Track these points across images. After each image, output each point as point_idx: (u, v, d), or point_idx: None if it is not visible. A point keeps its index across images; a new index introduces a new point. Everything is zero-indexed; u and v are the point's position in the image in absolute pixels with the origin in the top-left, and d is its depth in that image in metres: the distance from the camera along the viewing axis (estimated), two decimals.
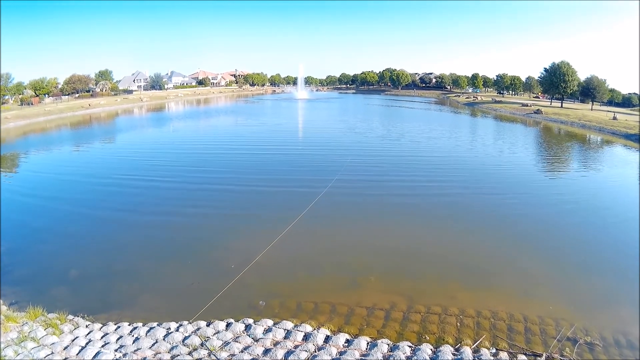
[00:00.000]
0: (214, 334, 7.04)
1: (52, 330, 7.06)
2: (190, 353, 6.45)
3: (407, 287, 8.93)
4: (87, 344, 6.79)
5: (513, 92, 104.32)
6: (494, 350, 6.61)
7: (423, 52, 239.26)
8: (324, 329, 7.21)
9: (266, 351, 6.45)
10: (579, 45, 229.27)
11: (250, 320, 7.47)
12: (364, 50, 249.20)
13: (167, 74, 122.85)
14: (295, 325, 7.29)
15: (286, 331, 7.10)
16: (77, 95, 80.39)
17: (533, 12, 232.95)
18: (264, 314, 7.78)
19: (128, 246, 11.31)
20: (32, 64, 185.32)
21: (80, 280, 9.33)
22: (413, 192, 16.20)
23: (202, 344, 6.67)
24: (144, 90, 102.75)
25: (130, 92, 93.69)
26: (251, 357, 6.28)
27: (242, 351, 6.46)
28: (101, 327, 7.40)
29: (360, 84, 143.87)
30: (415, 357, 6.26)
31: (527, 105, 64.54)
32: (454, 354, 6.40)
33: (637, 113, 51.80)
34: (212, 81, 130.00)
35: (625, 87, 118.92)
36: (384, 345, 6.58)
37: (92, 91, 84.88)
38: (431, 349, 6.56)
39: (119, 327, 7.37)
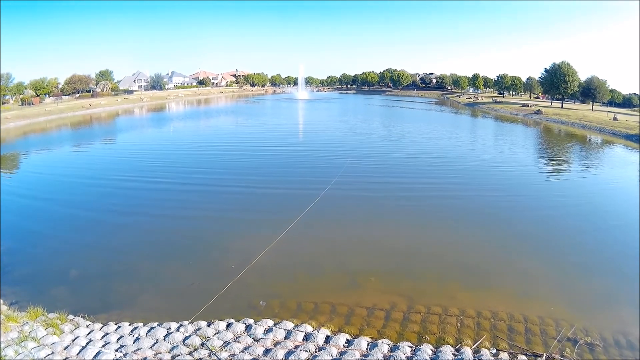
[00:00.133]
0: (215, 334, 7.05)
1: (52, 330, 7.07)
2: (190, 353, 6.46)
3: (407, 287, 8.93)
4: (87, 343, 6.80)
5: (514, 93, 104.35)
6: (494, 351, 6.61)
7: (423, 52, 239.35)
8: (325, 329, 7.22)
9: (267, 351, 6.46)
10: (580, 45, 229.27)
11: (251, 321, 7.47)
12: (364, 51, 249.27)
13: (168, 74, 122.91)
14: (296, 326, 7.30)
15: (286, 331, 7.11)
16: (77, 95, 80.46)
17: (533, 12, 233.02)
18: (265, 314, 7.79)
19: (128, 246, 11.32)
20: (33, 64, 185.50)
21: (80, 280, 9.33)
22: (413, 192, 16.19)
23: (202, 344, 6.68)
24: (144, 90, 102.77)
25: (131, 92, 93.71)
26: (252, 357, 6.28)
27: (242, 351, 6.46)
28: (102, 327, 7.41)
29: (360, 84, 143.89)
30: (415, 358, 6.26)
31: (528, 106, 64.55)
32: (454, 354, 6.40)
33: (638, 113, 51.78)
34: (212, 81, 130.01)
35: (625, 87, 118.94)
36: (384, 346, 6.59)
37: (93, 91, 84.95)
38: (431, 349, 6.56)
39: (119, 327, 7.38)
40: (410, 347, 6.61)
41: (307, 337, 6.90)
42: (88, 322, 7.60)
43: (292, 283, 9.22)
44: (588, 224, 13.35)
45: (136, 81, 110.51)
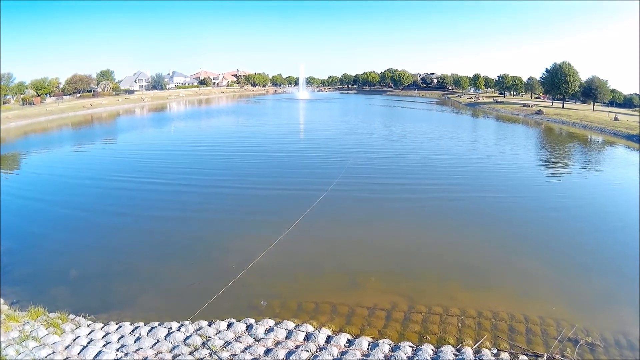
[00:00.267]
0: (216, 333, 7.05)
1: (53, 330, 7.08)
2: (191, 353, 6.46)
3: (408, 287, 8.93)
4: (88, 343, 6.80)
5: (514, 93, 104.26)
6: (495, 351, 6.60)
7: (424, 52, 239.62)
8: (325, 329, 7.22)
9: (267, 351, 6.46)
10: (580, 45, 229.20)
11: (252, 320, 7.47)
12: (365, 51, 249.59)
13: (169, 74, 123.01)
14: (297, 325, 7.30)
15: (287, 331, 7.11)
16: (78, 95, 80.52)
17: (533, 12, 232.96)
18: (265, 314, 7.79)
19: (129, 246, 11.33)
20: (34, 64, 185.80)
21: (81, 280, 9.34)
22: (414, 193, 16.18)
23: (203, 344, 6.68)
24: (145, 90, 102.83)
25: (132, 92, 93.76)
26: (252, 357, 6.29)
27: (243, 351, 6.46)
28: (102, 327, 7.41)
29: (361, 84, 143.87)
30: (416, 357, 6.25)
31: (529, 106, 64.49)
32: (455, 354, 6.39)
33: (638, 114, 51.70)
34: (213, 81, 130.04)
35: (626, 87, 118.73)
36: (385, 346, 6.58)
37: (94, 91, 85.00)
38: (432, 349, 6.56)
39: (120, 326, 7.39)
40: (411, 347, 6.61)
41: (308, 337, 6.90)
42: (89, 322, 7.60)
43: (293, 283, 9.22)
44: (589, 225, 13.34)
45: (137, 81, 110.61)
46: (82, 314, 7.85)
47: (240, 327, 7.23)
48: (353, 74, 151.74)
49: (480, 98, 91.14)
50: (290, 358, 6.26)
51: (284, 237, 11.13)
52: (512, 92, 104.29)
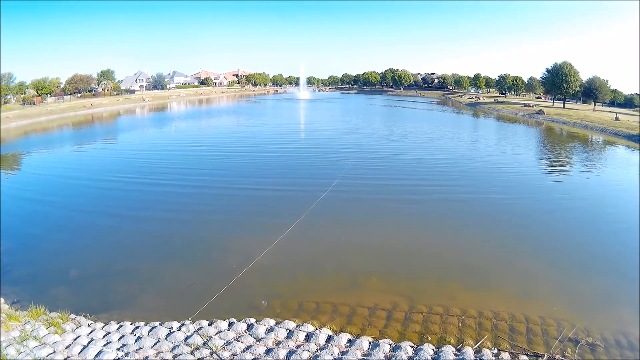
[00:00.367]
0: (216, 333, 7.05)
1: (54, 329, 7.08)
2: (192, 352, 6.46)
3: (408, 287, 8.93)
4: (89, 343, 6.81)
5: (515, 93, 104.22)
6: (495, 351, 6.60)
7: (424, 52, 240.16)
8: (326, 328, 7.22)
9: (268, 351, 6.46)
10: (580, 45, 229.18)
11: (253, 320, 7.48)
12: (366, 51, 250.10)
13: (169, 74, 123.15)
14: (297, 325, 7.30)
15: (288, 331, 7.11)
16: (79, 95, 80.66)
17: (533, 12, 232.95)
18: (266, 314, 7.79)
19: (129, 246, 11.34)
20: (34, 64, 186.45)
21: (81, 280, 9.34)
22: (415, 193, 16.17)
23: (204, 344, 6.68)
24: (146, 90, 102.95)
25: (133, 92, 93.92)
26: (253, 357, 6.29)
27: (244, 350, 6.47)
28: (103, 327, 7.41)
29: (362, 84, 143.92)
30: (417, 357, 6.26)
31: (529, 106, 64.45)
32: (455, 354, 6.39)
33: (639, 114, 51.65)
34: (214, 81, 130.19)
35: (627, 87, 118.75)
36: (385, 345, 6.58)
37: (94, 91, 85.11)
38: (433, 349, 6.56)
39: (121, 326, 7.39)
40: (411, 346, 6.61)
41: (308, 337, 6.91)
42: (89, 322, 7.61)
43: (293, 283, 9.22)
44: (589, 225, 13.32)
45: (138, 81, 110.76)
46: (83, 313, 7.86)
47: (241, 326, 7.24)
48: (354, 74, 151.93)
49: (481, 98, 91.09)
50: (291, 358, 6.26)
51: (285, 237, 11.13)
52: (512, 92, 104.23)
